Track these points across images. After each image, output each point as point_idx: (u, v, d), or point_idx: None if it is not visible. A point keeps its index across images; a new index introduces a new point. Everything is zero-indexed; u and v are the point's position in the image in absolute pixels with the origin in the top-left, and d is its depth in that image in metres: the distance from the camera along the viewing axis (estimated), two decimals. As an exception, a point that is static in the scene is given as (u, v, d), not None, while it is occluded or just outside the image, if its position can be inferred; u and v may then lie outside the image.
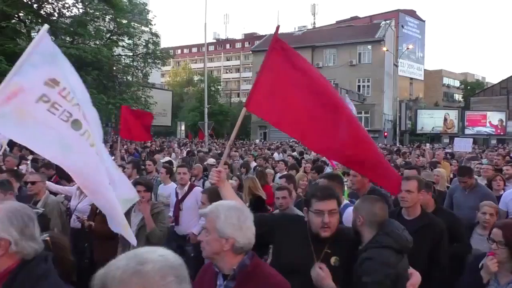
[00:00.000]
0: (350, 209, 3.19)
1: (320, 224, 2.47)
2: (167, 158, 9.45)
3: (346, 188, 3.73)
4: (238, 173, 8.51)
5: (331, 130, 2.84)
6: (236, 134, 3.05)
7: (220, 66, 79.83)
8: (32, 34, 19.33)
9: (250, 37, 74.91)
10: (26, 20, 18.49)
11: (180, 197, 5.58)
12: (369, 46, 42.76)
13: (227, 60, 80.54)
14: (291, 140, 29.93)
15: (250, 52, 58.06)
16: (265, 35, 56.32)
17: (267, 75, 3.00)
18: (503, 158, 10.23)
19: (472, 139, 15.68)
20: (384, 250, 2.44)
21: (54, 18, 19.69)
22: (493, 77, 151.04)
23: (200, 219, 4.65)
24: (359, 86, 42.52)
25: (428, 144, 28.61)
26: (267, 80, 2.97)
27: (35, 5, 18.75)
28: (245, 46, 75.70)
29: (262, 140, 36.58)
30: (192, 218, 5.34)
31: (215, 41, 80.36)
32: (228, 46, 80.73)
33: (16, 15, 18.41)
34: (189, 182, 5.81)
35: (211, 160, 8.88)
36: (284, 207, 4.07)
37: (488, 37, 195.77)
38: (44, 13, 19.36)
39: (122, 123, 8.70)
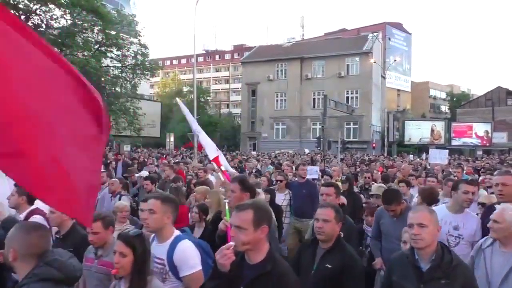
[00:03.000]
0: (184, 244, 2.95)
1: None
2: (145, 173, 9.09)
3: (227, 206, 3.32)
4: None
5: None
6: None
7: (210, 77, 79.94)
8: (19, 45, 19.14)
9: (240, 48, 75.29)
10: (13, 31, 18.37)
11: None
12: (357, 58, 43.27)
13: (217, 71, 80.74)
14: (277, 152, 30.04)
15: (240, 63, 58.31)
16: (254, 46, 56.69)
17: None
18: (462, 170, 9.93)
19: (447, 150, 15.29)
20: (43, 283, 2.11)
21: (42, 29, 19.57)
22: (478, 89, 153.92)
23: None
24: (347, 97, 42.89)
25: (411, 155, 28.81)
26: None
27: (22, 16, 18.61)
28: (235, 57, 76.04)
29: (251, 151, 36.54)
30: None
31: (204, 52, 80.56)
32: (217, 57, 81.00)
33: (3, 26, 18.29)
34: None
35: (143, 173, 8.87)
36: None
37: (473, 50, 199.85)
38: (31, 24, 19.22)
39: None
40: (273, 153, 28.36)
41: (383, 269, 4.12)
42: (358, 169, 13.41)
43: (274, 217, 3.89)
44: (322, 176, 9.53)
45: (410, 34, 60.92)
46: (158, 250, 2.97)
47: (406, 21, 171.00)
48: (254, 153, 30.77)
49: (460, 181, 4.54)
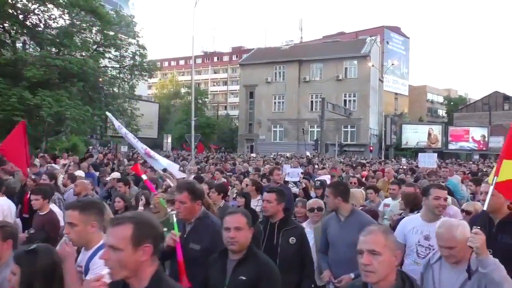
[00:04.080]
0: None
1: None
2: (116, 174, 8.38)
3: (174, 219, 3.29)
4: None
5: None
6: None
7: (208, 79, 79.96)
8: (17, 44, 19.08)
9: (238, 51, 75.37)
10: (11, 31, 18.26)
11: None
12: (355, 61, 43.39)
13: (215, 73, 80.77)
14: (275, 154, 30.03)
15: (238, 65, 58.39)
16: (253, 48, 56.76)
17: None
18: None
19: (436, 154, 15.48)
20: None
21: (40, 29, 19.50)
22: (476, 94, 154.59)
23: None
24: (345, 100, 42.98)
25: (404, 159, 28.92)
26: None
27: (20, 16, 18.53)
28: (233, 59, 76.11)
29: (248, 153, 36.54)
30: None
31: (202, 54, 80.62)
32: (215, 59, 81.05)
33: (1, 26, 18.20)
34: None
35: (115, 174, 8.27)
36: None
37: (471, 54, 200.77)
38: (29, 24, 19.14)
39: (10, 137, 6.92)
40: (271, 155, 28.37)
41: (332, 281, 3.85)
42: (343, 173, 12.78)
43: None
44: (309, 180, 8.95)
45: (408, 38, 61.17)
46: (81, 257, 2.77)
47: (404, 25, 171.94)
48: (253, 155, 30.78)
49: (431, 185, 4.20)
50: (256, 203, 6.44)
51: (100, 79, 21.73)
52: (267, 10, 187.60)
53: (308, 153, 27.58)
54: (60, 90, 17.80)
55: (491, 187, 2.84)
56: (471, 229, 2.67)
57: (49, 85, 17.60)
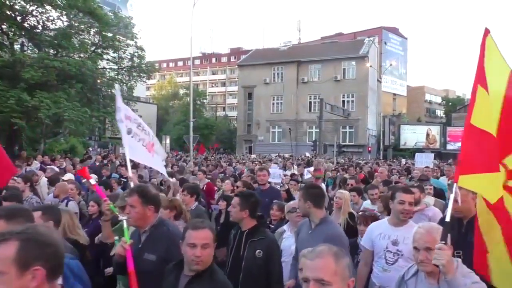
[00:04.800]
0: None
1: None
2: (69, 176, 8.02)
3: (125, 225, 3.07)
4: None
5: None
6: None
7: (206, 80, 79.97)
8: (15, 46, 19.06)
9: (236, 52, 75.40)
10: (9, 33, 18.26)
11: None
12: (353, 62, 43.46)
13: (213, 74, 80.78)
14: (274, 155, 30.04)
15: (236, 66, 58.39)
16: (251, 50, 56.80)
17: None
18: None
19: (433, 154, 15.53)
20: None
21: (38, 30, 19.49)
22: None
23: None
24: (343, 101, 43.03)
25: (403, 160, 29.01)
26: None
27: (18, 18, 18.52)
28: (231, 60, 76.12)
29: (247, 154, 36.55)
30: None
31: (201, 55, 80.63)
32: (214, 60, 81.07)
33: (-1, 27, 18.22)
34: None
35: (68, 175, 7.87)
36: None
37: (468, 55, 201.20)
38: (27, 25, 19.13)
39: None
40: (271, 156, 28.39)
41: None
42: (337, 174, 12.26)
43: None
44: (297, 183, 8.56)
45: (406, 38, 61.28)
46: None
47: (402, 26, 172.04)
48: (254, 156, 30.77)
49: (397, 189, 4.00)
50: None
51: (99, 81, 21.73)
52: (265, 11, 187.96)
53: (308, 154, 27.56)
54: (58, 91, 17.78)
55: (452, 195, 2.60)
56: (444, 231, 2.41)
57: (47, 86, 17.59)
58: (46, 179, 8.35)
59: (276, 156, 28.07)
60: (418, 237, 2.57)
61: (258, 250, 3.40)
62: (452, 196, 2.59)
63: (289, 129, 20.30)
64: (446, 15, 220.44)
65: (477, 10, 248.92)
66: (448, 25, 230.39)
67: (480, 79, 2.63)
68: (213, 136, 51.31)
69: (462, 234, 3.24)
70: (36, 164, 13.11)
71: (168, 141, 36.76)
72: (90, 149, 31.77)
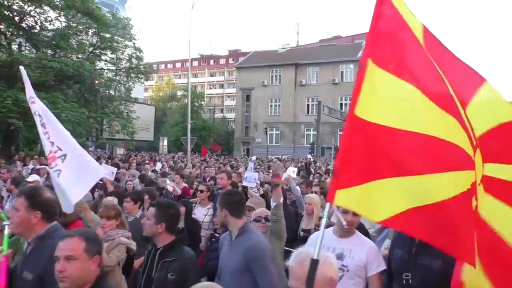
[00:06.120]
0: None
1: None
2: (34, 177, 7.49)
3: (6, 231, 2.69)
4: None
5: None
6: None
7: (204, 82, 79.95)
8: (13, 46, 19.01)
9: (234, 54, 75.42)
10: (7, 33, 18.23)
11: None
12: (351, 65, 43.53)
13: (211, 75, 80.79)
14: (273, 157, 30.06)
15: (234, 68, 58.39)
16: (249, 52, 56.86)
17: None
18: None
19: None
20: None
21: (36, 31, 19.46)
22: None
23: None
24: (341, 104, 43.09)
25: None
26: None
27: (16, 18, 18.49)
28: (229, 62, 76.14)
29: (245, 156, 36.56)
30: None
31: (199, 56, 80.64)
32: (212, 62, 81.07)
33: (-3, 28, 18.18)
34: None
35: (33, 177, 7.44)
36: None
37: (465, 57, 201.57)
38: (25, 26, 19.10)
39: None
40: (269, 158, 28.37)
41: None
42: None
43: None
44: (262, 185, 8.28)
45: (404, 42, 61.44)
46: None
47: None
48: (254, 157, 30.79)
49: None
50: (205, 212, 5.84)
51: (96, 82, 21.71)
52: (263, 13, 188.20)
53: (309, 156, 27.52)
54: (56, 92, 17.75)
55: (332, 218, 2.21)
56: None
57: (45, 87, 17.55)
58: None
59: (273, 159, 28.03)
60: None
61: (171, 273, 2.91)
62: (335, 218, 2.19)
63: (265, 128, 20.04)
64: (443, 17, 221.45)
65: (474, 13, 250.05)
66: (445, 27, 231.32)
67: (375, 48, 1.88)
68: (211, 138, 51.26)
69: (413, 255, 2.86)
70: (32, 165, 13.05)
71: (165, 142, 36.85)
72: (88, 149, 31.76)
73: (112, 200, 4.89)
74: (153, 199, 5.61)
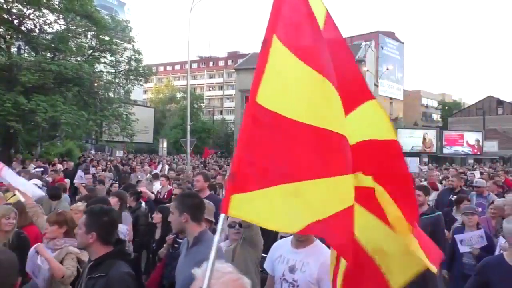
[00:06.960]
0: None
1: None
2: (35, 181, 7.28)
3: None
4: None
5: None
6: None
7: (203, 84, 79.99)
8: (12, 49, 19.05)
9: (233, 55, 75.48)
10: (6, 36, 18.26)
11: None
12: (350, 66, 43.61)
13: (210, 77, 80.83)
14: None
15: (233, 70, 58.45)
16: (248, 53, 56.89)
17: None
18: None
19: (417, 158, 15.38)
20: None
21: (35, 34, 19.49)
22: (470, 98, 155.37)
23: None
24: (340, 105, 43.12)
25: None
26: None
27: (15, 21, 18.52)
28: (228, 64, 76.21)
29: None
30: None
31: (198, 58, 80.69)
32: (211, 63, 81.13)
33: (-4, 31, 18.22)
34: None
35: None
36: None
37: (464, 59, 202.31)
38: (24, 29, 19.14)
39: None
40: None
41: None
42: None
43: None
44: None
45: (403, 43, 61.56)
46: None
47: (398, 30, 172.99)
48: None
49: None
50: None
51: (96, 84, 21.73)
52: (262, 15, 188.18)
53: None
54: (55, 95, 17.78)
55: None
56: None
57: (44, 90, 17.58)
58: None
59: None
60: None
61: None
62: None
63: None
64: (443, 19, 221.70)
65: (473, 15, 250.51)
66: (445, 29, 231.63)
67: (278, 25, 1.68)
68: (210, 140, 51.27)
69: None
70: (31, 168, 13.08)
71: (165, 144, 36.81)
72: (91, 151, 31.78)
73: (81, 205, 4.56)
74: (123, 202, 5.43)
